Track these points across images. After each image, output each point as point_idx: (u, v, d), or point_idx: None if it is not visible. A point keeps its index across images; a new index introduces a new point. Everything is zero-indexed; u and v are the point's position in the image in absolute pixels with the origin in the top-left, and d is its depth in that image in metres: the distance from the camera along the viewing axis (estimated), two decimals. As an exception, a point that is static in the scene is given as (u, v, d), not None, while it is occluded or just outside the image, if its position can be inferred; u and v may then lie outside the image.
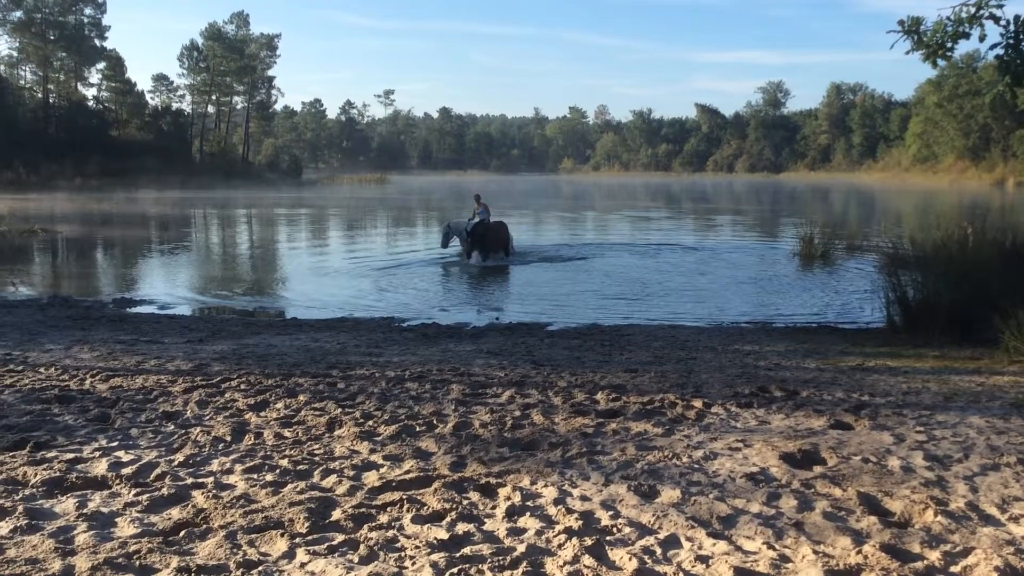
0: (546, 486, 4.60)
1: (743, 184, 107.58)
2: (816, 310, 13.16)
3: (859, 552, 3.67)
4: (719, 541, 3.84)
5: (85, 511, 4.25)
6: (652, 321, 12.01)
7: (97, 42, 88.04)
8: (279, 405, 6.53)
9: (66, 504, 4.36)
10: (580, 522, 4.06)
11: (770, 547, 3.76)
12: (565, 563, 3.62)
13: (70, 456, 5.14)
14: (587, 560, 3.64)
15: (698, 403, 6.52)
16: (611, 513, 4.20)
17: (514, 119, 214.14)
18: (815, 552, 3.69)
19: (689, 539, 3.87)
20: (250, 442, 5.53)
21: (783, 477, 4.73)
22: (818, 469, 4.90)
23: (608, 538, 3.90)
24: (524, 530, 4.02)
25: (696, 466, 4.94)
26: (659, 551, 3.74)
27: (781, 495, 4.43)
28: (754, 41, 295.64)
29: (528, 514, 4.21)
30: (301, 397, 6.77)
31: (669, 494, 4.45)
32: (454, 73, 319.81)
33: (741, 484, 4.61)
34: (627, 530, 3.99)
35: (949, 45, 8.99)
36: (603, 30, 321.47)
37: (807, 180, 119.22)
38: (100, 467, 4.93)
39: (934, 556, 3.65)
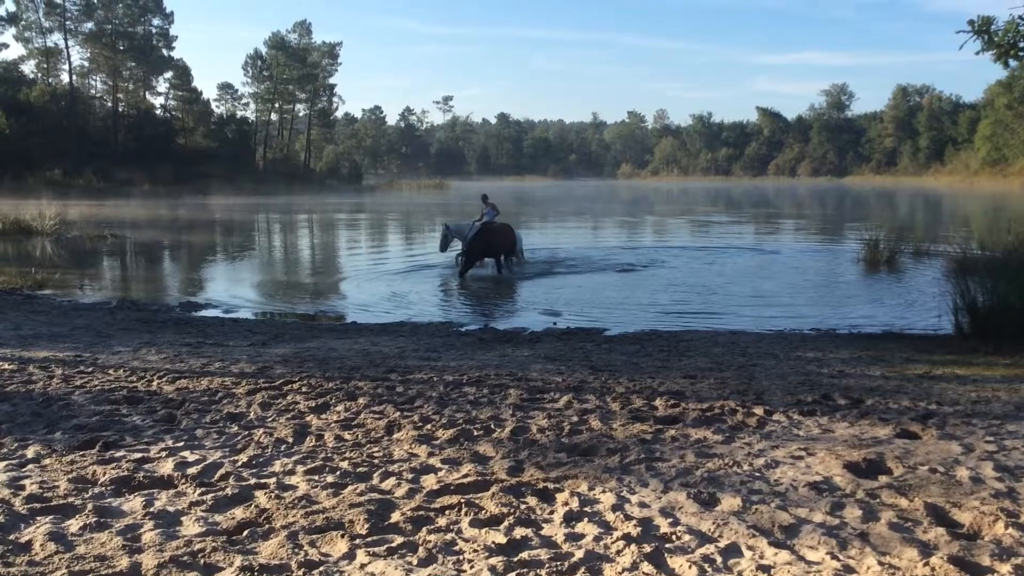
0: (604, 492, 4.58)
1: (806, 188, 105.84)
2: (881, 316, 12.87)
3: (926, 564, 3.58)
4: (781, 551, 3.77)
5: (152, 510, 4.35)
6: (712, 327, 11.88)
7: (164, 52, 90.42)
8: (339, 408, 6.61)
9: (134, 503, 4.47)
10: (639, 529, 4.03)
11: (834, 557, 3.69)
12: (624, 570, 3.60)
13: (138, 456, 5.27)
14: (646, 567, 3.62)
15: (759, 410, 6.43)
16: (670, 520, 4.16)
17: (572, 124, 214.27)
18: (880, 564, 3.61)
19: (750, 548, 3.82)
20: (311, 444, 5.61)
21: (847, 486, 4.64)
22: (883, 479, 4.80)
23: (667, 546, 3.87)
24: (582, 536, 4.00)
25: (757, 474, 4.87)
26: (719, 560, 3.70)
27: (845, 505, 4.35)
28: (816, 43, 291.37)
29: (586, 520, 4.19)
30: (361, 400, 6.85)
31: (729, 502, 4.39)
32: (512, 79, 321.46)
33: (804, 493, 4.53)
34: (687, 538, 3.94)
35: (1022, 45, 8.75)
36: (662, 33, 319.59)
37: (872, 184, 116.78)
38: (166, 467, 5.05)
39: (1005, 569, 3.54)
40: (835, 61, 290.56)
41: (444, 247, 19.83)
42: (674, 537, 3.96)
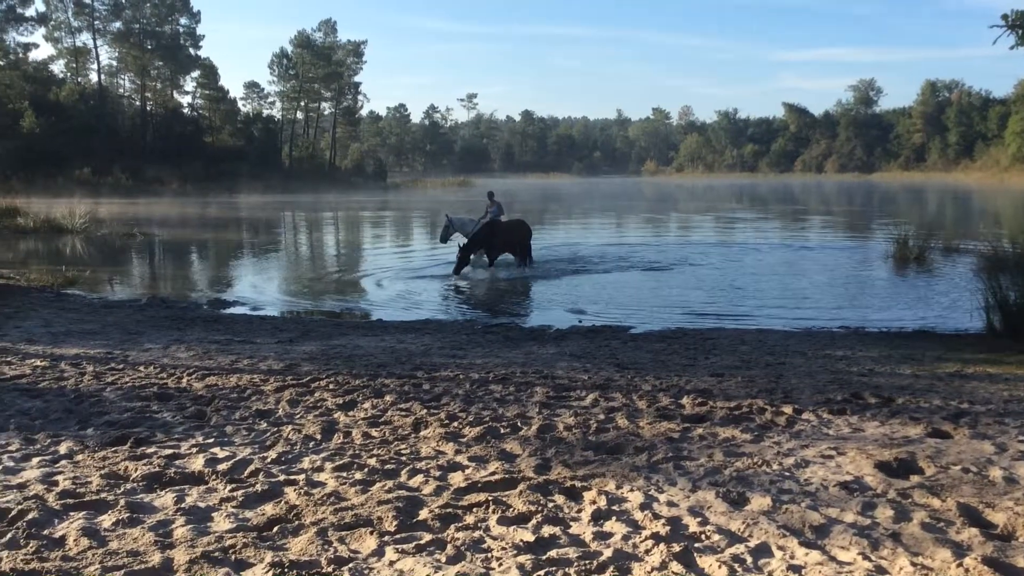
0: (632, 491, 4.57)
1: (833, 185, 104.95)
2: (911, 314, 12.72)
3: (960, 565, 3.54)
4: (812, 551, 3.74)
5: (183, 505, 4.39)
6: (739, 325, 11.81)
7: (192, 51, 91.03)
8: (366, 405, 6.64)
9: (165, 498, 4.52)
10: (667, 528, 4.02)
11: (866, 558, 3.65)
12: (653, 569, 3.59)
13: (168, 452, 5.33)
14: (675, 567, 3.60)
15: (788, 409, 6.38)
16: (699, 520, 4.14)
17: (596, 121, 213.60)
18: (913, 564, 3.57)
19: (780, 548, 3.79)
20: (339, 441, 5.64)
21: (878, 486, 4.59)
22: (915, 479, 4.75)
23: (696, 545, 3.85)
24: (610, 534, 3.99)
25: (787, 474, 4.83)
26: (749, 560, 3.67)
27: (877, 505, 4.30)
28: (843, 39, 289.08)
29: (614, 518, 4.18)
30: (388, 398, 6.87)
31: (759, 502, 4.36)
32: (536, 76, 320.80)
33: (834, 493, 4.49)
34: (716, 537, 3.92)
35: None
36: (687, 30, 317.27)
37: (900, 180, 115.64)
38: (197, 463, 5.10)
39: (1042, 572, 3.49)
40: (863, 57, 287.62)
41: (445, 238, 19.76)
42: (703, 536, 3.94)
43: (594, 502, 4.41)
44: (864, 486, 4.61)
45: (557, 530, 4.04)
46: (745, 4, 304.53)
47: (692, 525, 4.07)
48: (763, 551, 3.77)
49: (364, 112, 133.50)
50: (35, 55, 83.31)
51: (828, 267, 19.37)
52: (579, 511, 4.31)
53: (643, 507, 4.32)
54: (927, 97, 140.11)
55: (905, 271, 18.36)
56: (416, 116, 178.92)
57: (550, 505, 4.37)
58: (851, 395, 6.93)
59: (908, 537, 3.89)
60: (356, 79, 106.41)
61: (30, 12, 78.32)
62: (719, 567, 3.59)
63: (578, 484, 4.67)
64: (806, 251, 23.41)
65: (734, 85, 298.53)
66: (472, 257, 18.27)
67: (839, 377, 7.83)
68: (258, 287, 17.06)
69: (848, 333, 11.03)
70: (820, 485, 4.62)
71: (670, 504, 4.37)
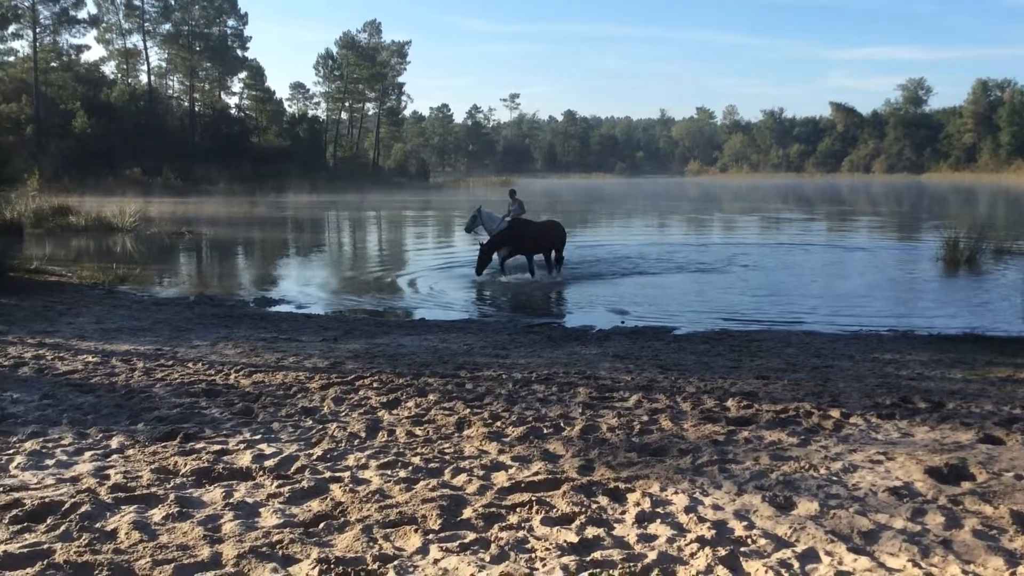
0: (676, 493, 4.54)
1: (881, 185, 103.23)
2: (961, 317, 12.48)
3: (1012, 574, 3.47)
4: (860, 557, 3.69)
5: (231, 501, 4.45)
6: (785, 327, 11.67)
7: (239, 52, 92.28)
8: (410, 404, 6.68)
9: (213, 493, 4.59)
10: (713, 531, 3.98)
11: (915, 565, 3.59)
12: (698, 572, 3.56)
13: (217, 447, 5.40)
14: (721, 571, 3.57)
15: (835, 413, 6.29)
16: (745, 523, 4.10)
17: (639, 121, 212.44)
18: (964, 572, 3.51)
19: (828, 554, 3.74)
20: (383, 439, 5.68)
21: (929, 492, 4.51)
22: (966, 485, 4.65)
23: (742, 549, 3.81)
24: (655, 537, 3.97)
25: (835, 478, 4.76)
26: (796, 565, 3.63)
27: (927, 511, 4.23)
28: (892, 37, 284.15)
29: (659, 521, 4.16)
30: (431, 396, 6.91)
31: (806, 506, 4.31)
32: (579, 76, 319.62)
33: (883, 498, 4.42)
34: (762, 542, 3.88)
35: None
36: (732, 29, 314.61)
37: (950, 181, 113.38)
38: (244, 459, 5.17)
39: (1100, 584, 3.40)
40: (911, 55, 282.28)
41: (470, 228, 19.29)
42: (749, 541, 3.90)
43: (638, 504, 4.39)
44: (914, 492, 4.53)
45: (601, 531, 4.03)
46: (793, 3, 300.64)
47: (738, 529, 4.03)
48: (810, 556, 3.72)
49: (407, 112, 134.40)
50: (87, 57, 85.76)
51: (876, 268, 19.09)
52: (623, 512, 4.29)
53: (688, 510, 4.29)
54: (978, 96, 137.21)
55: (955, 273, 18.01)
56: (459, 116, 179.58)
57: (594, 506, 4.36)
58: (900, 399, 6.82)
59: (959, 544, 3.82)
60: (400, 79, 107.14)
61: (82, 15, 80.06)
62: (765, 572, 3.55)
63: (622, 485, 4.65)
64: (853, 252, 23.07)
65: (780, 85, 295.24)
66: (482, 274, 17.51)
67: (887, 381, 7.70)
68: (302, 285, 17.25)
69: (896, 336, 10.85)
70: (869, 490, 4.55)
71: (715, 507, 4.33)
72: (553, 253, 17.93)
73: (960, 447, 5.39)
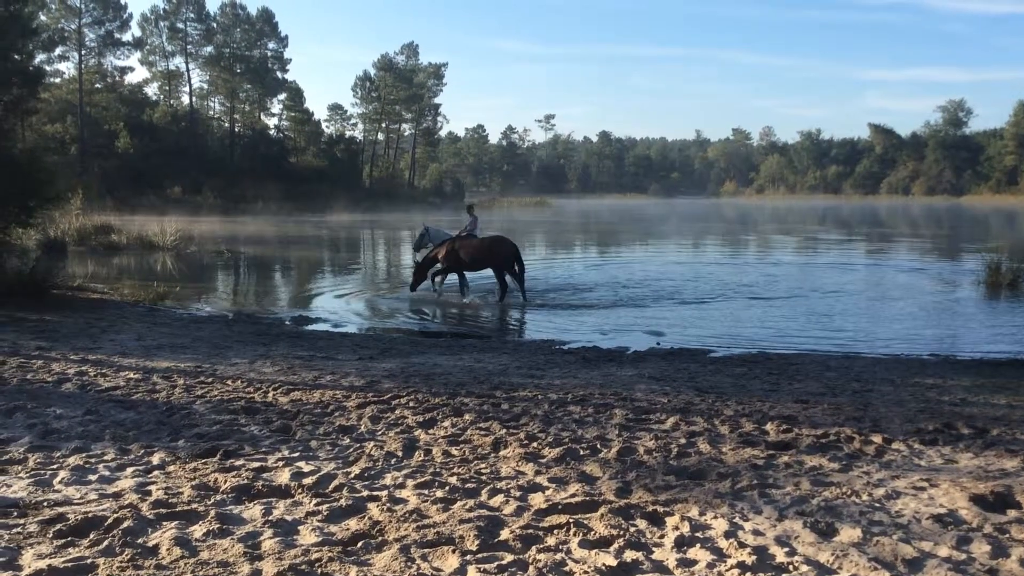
0: (716, 518, 4.49)
1: (921, 207, 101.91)
2: (1004, 342, 12.26)
3: (1066, 608, 3.37)
4: (905, 586, 3.62)
5: (270, 518, 4.48)
6: (824, 350, 11.54)
7: (279, 74, 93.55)
8: (446, 423, 6.69)
9: (253, 510, 4.62)
10: (753, 557, 3.93)
11: (963, 596, 3.52)
12: (739, 598, 3.52)
13: (256, 465, 5.45)
14: (762, 597, 3.52)
15: (877, 438, 6.20)
16: (786, 550, 4.04)
17: (674, 142, 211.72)
18: (1015, 605, 3.43)
19: (872, 582, 3.67)
20: (420, 458, 5.69)
21: (974, 520, 4.42)
22: (1013, 513, 4.56)
23: None
24: (694, 562, 3.93)
25: (877, 505, 4.69)
26: (839, 592, 3.57)
27: (972, 539, 4.15)
28: (931, 58, 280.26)
29: (698, 545, 4.11)
30: (467, 416, 6.91)
31: (849, 533, 4.24)
32: (614, 97, 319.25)
33: (927, 526, 4.34)
34: (804, 568, 3.83)
35: None
36: (768, 50, 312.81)
37: (991, 204, 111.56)
38: (283, 476, 5.20)
39: None
40: (951, 77, 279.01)
41: (418, 247, 18.93)
42: (791, 567, 3.85)
43: (677, 528, 4.35)
44: (959, 519, 4.45)
45: (640, 555, 3.99)
46: (831, 23, 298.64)
47: (779, 555, 3.98)
48: (854, 584, 3.66)
49: (443, 133, 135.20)
50: (130, 78, 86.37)
51: (916, 291, 18.81)
52: (662, 536, 4.25)
53: (728, 535, 4.24)
54: (1020, 118, 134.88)
55: (997, 297, 17.70)
56: (494, 137, 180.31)
57: (632, 529, 4.33)
58: (943, 425, 6.70)
59: (1006, 574, 3.75)
60: (436, 100, 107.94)
61: (127, 37, 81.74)
62: (808, 599, 3.50)
63: (660, 509, 4.62)
64: (893, 274, 22.80)
65: (817, 106, 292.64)
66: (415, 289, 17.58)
67: (930, 406, 7.57)
68: (339, 304, 17.36)
69: (938, 360, 10.68)
70: (912, 517, 4.47)
71: (756, 533, 4.28)
72: (517, 270, 17.09)
73: (1005, 474, 5.28)
